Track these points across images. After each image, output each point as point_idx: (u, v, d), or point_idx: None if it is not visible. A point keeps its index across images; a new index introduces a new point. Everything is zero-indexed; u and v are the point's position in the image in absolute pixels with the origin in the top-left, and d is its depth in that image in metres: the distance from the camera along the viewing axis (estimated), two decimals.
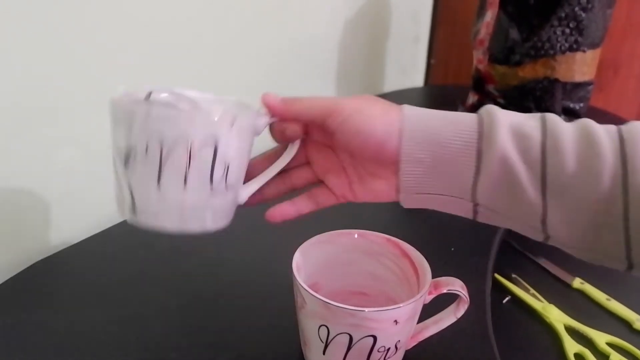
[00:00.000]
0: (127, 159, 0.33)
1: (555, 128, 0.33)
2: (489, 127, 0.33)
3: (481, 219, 0.36)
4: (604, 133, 0.32)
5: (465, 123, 0.34)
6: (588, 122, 0.33)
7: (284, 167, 0.38)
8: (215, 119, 0.33)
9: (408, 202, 0.37)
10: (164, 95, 0.37)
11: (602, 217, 0.31)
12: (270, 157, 0.39)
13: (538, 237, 0.34)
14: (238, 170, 0.35)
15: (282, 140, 0.37)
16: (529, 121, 0.34)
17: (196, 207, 0.34)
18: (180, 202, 0.33)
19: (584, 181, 0.31)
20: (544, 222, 0.33)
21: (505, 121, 0.33)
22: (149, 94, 0.36)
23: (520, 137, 0.33)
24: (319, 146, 0.38)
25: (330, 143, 0.38)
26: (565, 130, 0.33)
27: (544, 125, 0.33)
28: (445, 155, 0.34)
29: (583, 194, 0.31)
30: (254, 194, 0.38)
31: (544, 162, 0.32)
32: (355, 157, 0.37)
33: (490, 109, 0.35)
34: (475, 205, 0.34)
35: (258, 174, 0.38)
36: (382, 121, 0.34)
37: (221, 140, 0.33)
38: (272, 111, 0.36)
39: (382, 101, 0.36)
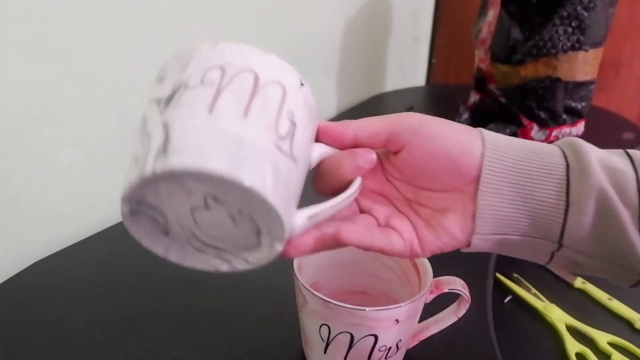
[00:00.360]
0: (169, 99, 0.24)
1: None
2: (576, 159, 0.29)
3: (556, 263, 0.31)
4: None
5: (548, 153, 0.30)
6: None
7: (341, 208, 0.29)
8: (286, 66, 0.27)
9: (480, 245, 0.31)
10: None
11: None
12: None
13: (630, 279, 0.30)
14: (302, 146, 0.26)
15: (345, 176, 0.30)
16: (614, 156, 0.30)
17: (256, 147, 0.23)
18: (238, 133, 0.23)
19: None
20: None
21: (593, 154, 0.29)
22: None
23: (611, 172, 0.29)
24: (370, 195, 0.33)
25: (381, 190, 0.33)
26: None
27: (631, 160, 0.29)
28: (529, 188, 0.29)
29: None
30: (309, 232, 0.28)
31: None
32: (422, 186, 0.31)
33: (572, 141, 0.30)
34: (559, 247, 0.30)
35: None
36: (462, 132, 0.30)
37: (289, 90, 0.26)
38: (328, 136, 0.30)
39: (454, 123, 0.31)
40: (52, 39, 0.49)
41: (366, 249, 0.30)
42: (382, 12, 1.05)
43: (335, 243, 0.29)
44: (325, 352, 0.37)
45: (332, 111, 0.97)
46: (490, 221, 0.30)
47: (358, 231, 0.29)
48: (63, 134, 0.53)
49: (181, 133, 0.23)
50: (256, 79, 0.25)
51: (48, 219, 0.55)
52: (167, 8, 0.59)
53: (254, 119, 0.24)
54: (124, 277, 0.50)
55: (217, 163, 0.22)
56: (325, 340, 0.36)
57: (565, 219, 0.29)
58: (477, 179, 0.29)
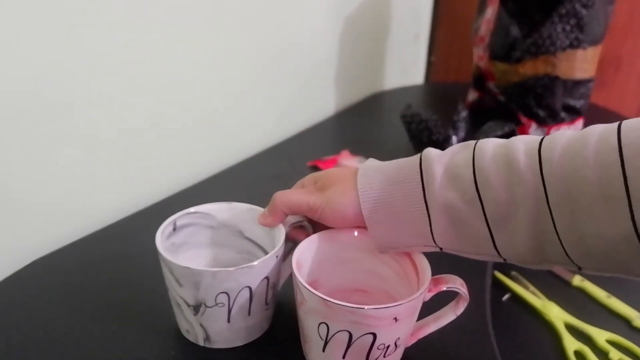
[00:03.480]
0: (197, 309, 0.39)
1: (482, 161, 0.35)
2: (427, 178, 0.36)
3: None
4: (524, 156, 0.33)
5: (409, 181, 0.37)
6: (511, 147, 0.35)
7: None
8: (271, 264, 0.39)
9: (386, 252, 0.41)
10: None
11: (541, 235, 0.33)
12: None
13: (498, 260, 0.37)
14: (279, 279, 0.43)
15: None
16: (462, 155, 0.36)
17: (257, 323, 0.42)
18: (246, 327, 0.41)
19: (515, 208, 0.33)
20: (496, 249, 0.36)
21: (440, 167, 0.36)
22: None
23: (455, 180, 0.35)
24: None
25: None
26: (489, 161, 0.35)
27: (473, 158, 0.35)
28: (402, 220, 0.37)
29: (518, 218, 0.33)
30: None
31: (480, 198, 0.35)
32: None
33: (427, 155, 0.37)
34: (440, 249, 0.38)
35: None
36: (348, 205, 0.39)
37: (271, 274, 0.40)
38: (269, 225, 0.43)
39: (344, 177, 0.40)
40: (52, 35, 0.49)
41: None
42: (382, 9, 1.05)
43: None
44: (323, 350, 0.37)
45: (331, 110, 0.97)
46: (383, 243, 0.39)
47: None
48: (63, 133, 0.53)
49: (215, 334, 0.41)
50: (250, 291, 0.39)
51: (47, 216, 0.55)
52: (165, 10, 0.59)
53: (254, 312, 0.41)
54: (124, 275, 0.50)
55: (239, 342, 0.42)
56: (324, 338, 0.36)
57: (431, 231, 0.37)
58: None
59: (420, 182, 0.37)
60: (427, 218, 0.36)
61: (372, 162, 0.41)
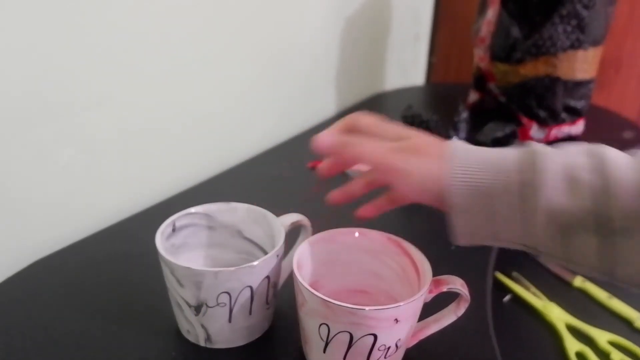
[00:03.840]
0: (198, 309, 0.39)
1: (615, 171, 0.32)
2: (538, 179, 0.33)
3: (544, 258, 0.36)
4: None
5: (513, 175, 0.34)
6: None
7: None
8: (272, 264, 0.40)
9: (466, 244, 0.38)
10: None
11: None
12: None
13: (603, 278, 0.34)
14: (279, 279, 0.43)
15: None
16: (582, 160, 0.33)
17: (258, 323, 0.42)
18: (247, 326, 0.41)
19: None
20: (607, 263, 0.32)
21: (552, 167, 0.33)
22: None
23: (575, 187, 0.32)
24: None
25: None
26: (625, 171, 0.32)
27: (601, 169, 0.32)
28: (499, 214, 0.34)
29: None
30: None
31: (606, 209, 0.31)
32: None
33: (535, 151, 0.34)
34: (523, 245, 0.35)
35: None
36: (431, 183, 0.36)
37: (272, 274, 0.40)
38: (326, 152, 0.39)
39: (433, 150, 0.37)
40: (52, 35, 0.49)
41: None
42: (382, 10, 1.05)
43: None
44: (324, 352, 0.37)
45: (331, 111, 0.97)
46: (466, 232, 0.36)
47: (366, 211, 0.42)
48: (63, 134, 0.53)
49: (216, 334, 0.41)
50: (252, 290, 0.39)
51: (47, 217, 0.55)
52: (165, 10, 0.59)
53: (255, 312, 0.41)
54: (124, 275, 0.50)
55: (240, 342, 0.42)
56: (325, 339, 0.36)
57: (533, 233, 0.34)
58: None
59: (527, 179, 0.33)
60: (530, 218, 0.33)
61: (461, 143, 0.37)
